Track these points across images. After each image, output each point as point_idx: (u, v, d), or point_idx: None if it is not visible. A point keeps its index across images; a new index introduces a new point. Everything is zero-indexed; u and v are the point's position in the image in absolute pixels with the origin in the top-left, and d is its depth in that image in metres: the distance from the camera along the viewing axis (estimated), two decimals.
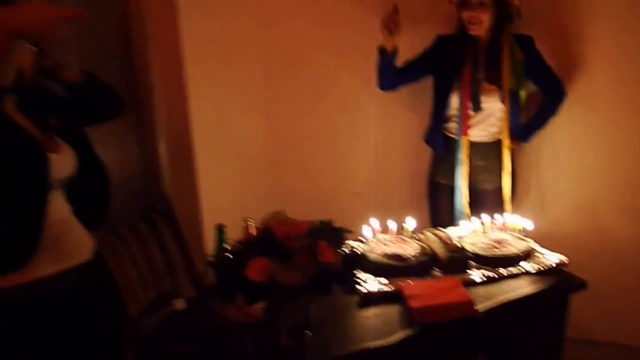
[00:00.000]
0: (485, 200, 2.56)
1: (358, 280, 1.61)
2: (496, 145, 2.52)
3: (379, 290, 1.85)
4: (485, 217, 2.27)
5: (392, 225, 2.18)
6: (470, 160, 2.53)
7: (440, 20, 2.63)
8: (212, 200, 2.66)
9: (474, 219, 2.30)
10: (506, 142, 2.49)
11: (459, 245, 2.07)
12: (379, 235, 2.17)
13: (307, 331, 1.58)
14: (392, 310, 1.78)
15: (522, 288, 1.89)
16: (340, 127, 2.99)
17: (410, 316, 1.72)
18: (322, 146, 3.03)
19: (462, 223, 2.31)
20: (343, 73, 2.90)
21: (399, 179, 2.97)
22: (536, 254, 2.08)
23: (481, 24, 2.37)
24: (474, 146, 2.53)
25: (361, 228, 2.15)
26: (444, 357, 1.83)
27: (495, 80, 2.44)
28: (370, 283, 1.88)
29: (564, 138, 2.67)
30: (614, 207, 2.66)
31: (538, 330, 1.93)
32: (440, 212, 2.66)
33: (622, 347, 2.75)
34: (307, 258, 1.46)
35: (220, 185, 2.71)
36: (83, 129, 1.66)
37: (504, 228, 2.23)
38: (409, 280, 1.89)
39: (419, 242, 2.13)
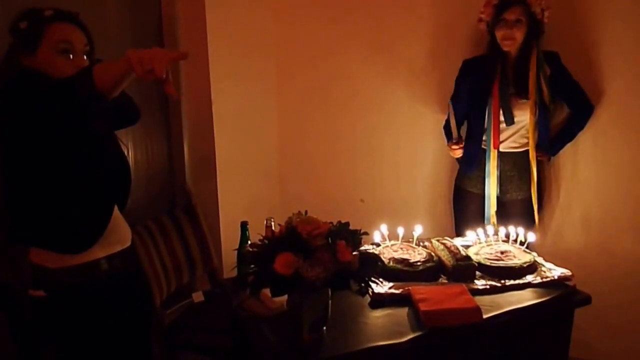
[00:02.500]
0: (514, 210, 2.56)
1: (375, 281, 1.61)
2: (527, 155, 2.52)
3: (388, 292, 1.86)
4: (489, 228, 2.27)
5: (400, 232, 2.20)
6: (501, 171, 2.54)
7: (464, 45, 2.67)
8: (227, 200, 2.69)
9: (479, 230, 2.30)
10: (533, 154, 2.50)
11: (465, 254, 2.06)
12: (388, 241, 2.19)
13: (324, 327, 1.60)
14: (401, 312, 1.78)
15: (527, 299, 1.87)
16: (348, 135, 2.99)
17: (419, 319, 1.72)
18: (331, 154, 3.04)
19: (468, 233, 2.33)
20: (353, 83, 2.92)
21: (404, 187, 2.97)
22: (541, 267, 2.06)
23: (515, 40, 2.37)
24: (505, 156, 2.54)
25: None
26: None
27: (524, 93, 2.44)
28: (380, 285, 1.89)
29: (573, 155, 2.64)
30: (622, 225, 2.60)
31: (543, 344, 1.91)
32: (466, 220, 2.63)
33: None
34: (328, 256, 1.49)
35: (235, 188, 2.74)
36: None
37: (507, 240, 2.23)
38: (417, 285, 1.90)
39: (426, 250, 2.15)
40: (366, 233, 1.68)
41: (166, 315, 2.17)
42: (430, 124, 2.79)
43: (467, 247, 2.19)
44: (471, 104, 2.56)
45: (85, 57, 1.53)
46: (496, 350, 1.86)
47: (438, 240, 2.18)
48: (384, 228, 2.19)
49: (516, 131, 2.50)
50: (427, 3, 2.73)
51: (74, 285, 1.51)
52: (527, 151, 2.52)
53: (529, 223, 2.52)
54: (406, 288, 1.87)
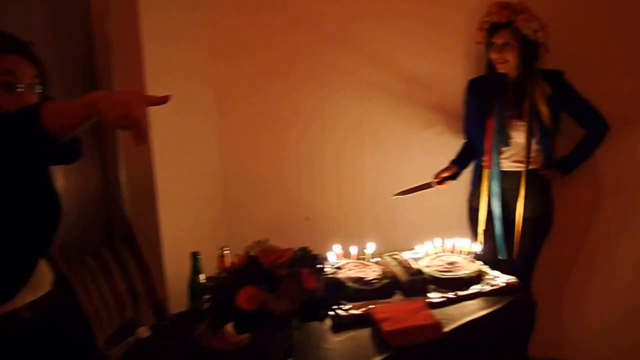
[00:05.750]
0: (525, 228, 2.38)
1: (341, 306, 1.48)
2: (531, 174, 2.35)
3: (349, 314, 1.73)
4: (437, 240, 2.21)
5: (354, 250, 2.08)
6: (505, 189, 2.39)
7: (468, 63, 2.58)
8: (170, 227, 2.45)
9: (427, 242, 2.23)
10: (524, 174, 2.35)
11: (417, 267, 2.00)
12: (341, 260, 2.07)
13: (290, 358, 1.44)
14: (364, 334, 1.66)
15: (479, 308, 1.82)
16: (291, 155, 2.82)
17: (382, 339, 1.61)
18: (275, 174, 2.85)
19: (417, 246, 2.25)
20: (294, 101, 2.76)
21: (348, 204, 2.83)
22: (486, 275, 2.02)
23: (507, 62, 2.26)
24: (508, 175, 2.38)
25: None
26: None
27: (522, 115, 2.32)
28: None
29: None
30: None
31: (502, 345, 1.87)
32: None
33: None
34: (294, 285, 1.34)
35: (178, 214, 2.50)
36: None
37: (454, 250, 2.17)
38: (376, 304, 1.79)
39: (379, 266, 2.05)
40: (325, 258, 1.55)
41: (110, 354, 1.91)
42: (375, 137, 2.69)
43: (417, 259, 2.12)
44: (474, 122, 2.45)
45: (36, 92, 1.29)
46: (461, 357, 1.78)
47: (390, 256, 2.10)
48: (337, 248, 2.06)
49: (517, 151, 2.35)
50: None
51: None
52: (532, 170, 2.34)
53: (535, 241, 2.41)
54: (366, 308, 1.76)
